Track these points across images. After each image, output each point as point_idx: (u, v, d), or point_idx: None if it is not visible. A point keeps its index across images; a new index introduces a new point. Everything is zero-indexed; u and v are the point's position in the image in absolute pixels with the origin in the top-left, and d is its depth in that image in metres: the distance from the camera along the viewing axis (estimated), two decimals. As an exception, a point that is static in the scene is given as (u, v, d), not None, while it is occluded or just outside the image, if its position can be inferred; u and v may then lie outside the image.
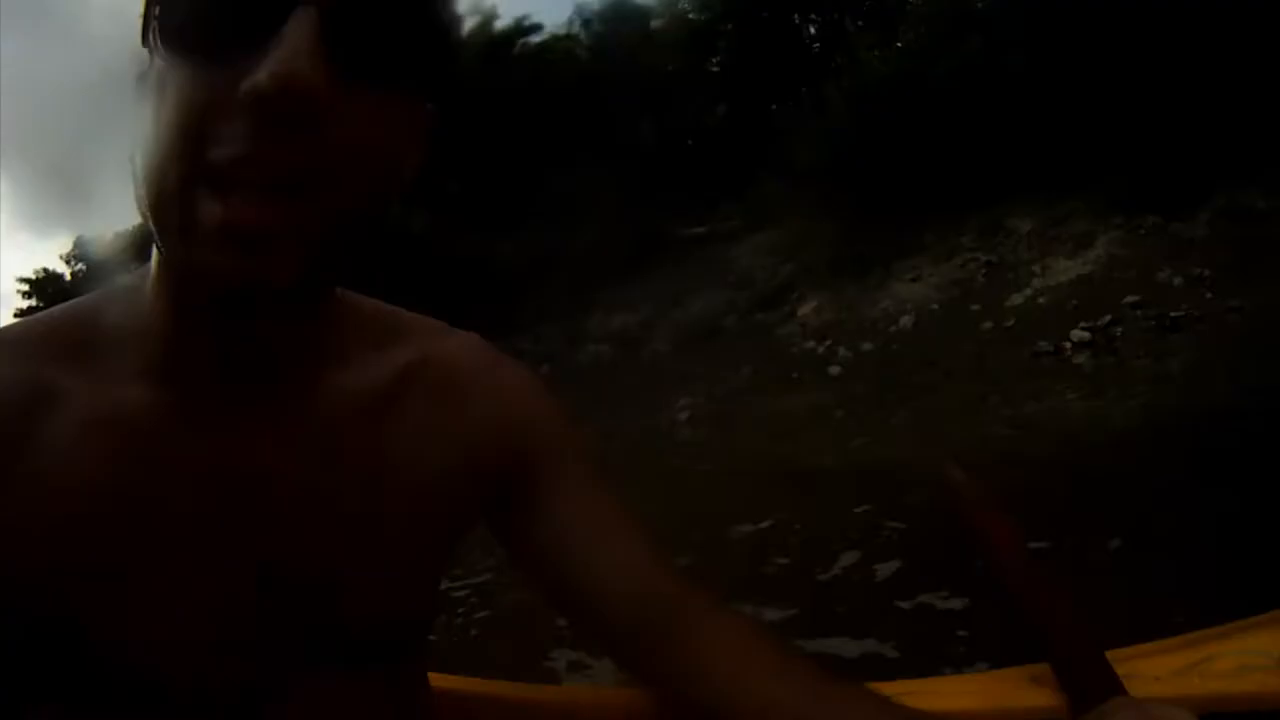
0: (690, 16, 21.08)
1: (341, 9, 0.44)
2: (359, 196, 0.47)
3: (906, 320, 10.11)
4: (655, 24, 22.73)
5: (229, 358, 0.53)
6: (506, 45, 23.37)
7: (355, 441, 0.57)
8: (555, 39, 24.02)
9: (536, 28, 24.37)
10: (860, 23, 17.97)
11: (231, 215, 0.44)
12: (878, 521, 5.13)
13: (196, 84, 0.44)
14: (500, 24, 23.73)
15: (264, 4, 0.44)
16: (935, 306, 10.20)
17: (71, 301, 0.59)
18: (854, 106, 12.73)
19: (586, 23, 24.04)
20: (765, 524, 5.53)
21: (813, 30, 20.01)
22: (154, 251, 0.53)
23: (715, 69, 20.70)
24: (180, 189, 0.45)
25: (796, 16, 19.61)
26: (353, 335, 0.60)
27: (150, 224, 0.48)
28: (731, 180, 16.59)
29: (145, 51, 0.49)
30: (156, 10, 0.46)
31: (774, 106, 17.76)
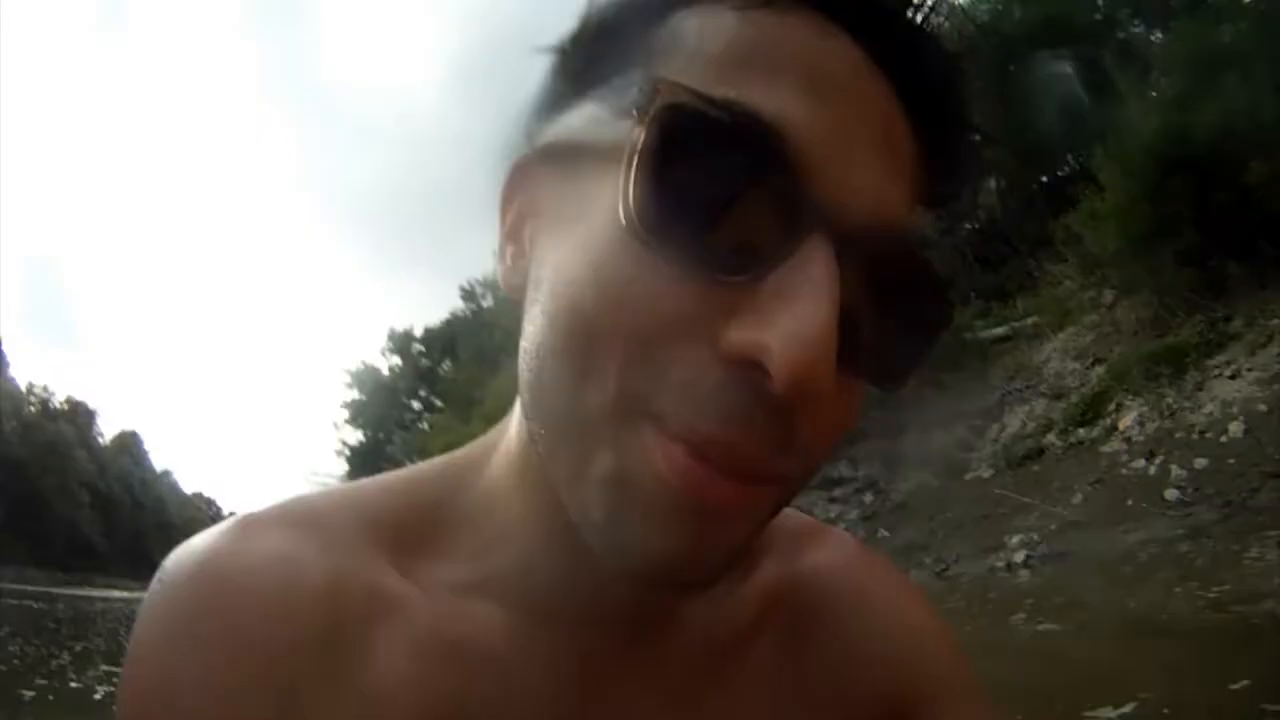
0: None
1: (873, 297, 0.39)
2: (809, 475, 0.43)
3: (1235, 427, 9.42)
4: None
5: (592, 596, 0.48)
6: None
7: (714, 680, 0.52)
8: None
9: None
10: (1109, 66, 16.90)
11: (686, 481, 0.37)
12: (1260, 705, 4.28)
13: (668, 288, 0.36)
14: None
15: (791, 213, 0.36)
16: (1262, 408, 9.40)
17: (407, 476, 0.54)
18: (1128, 175, 12.10)
19: None
20: (1128, 708, 4.76)
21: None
22: (521, 449, 0.48)
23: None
24: (614, 421, 0.38)
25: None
26: None
27: (551, 451, 0.41)
28: (1021, 267, 16.24)
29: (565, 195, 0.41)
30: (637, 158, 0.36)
31: (1044, 179, 17.16)
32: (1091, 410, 11.72)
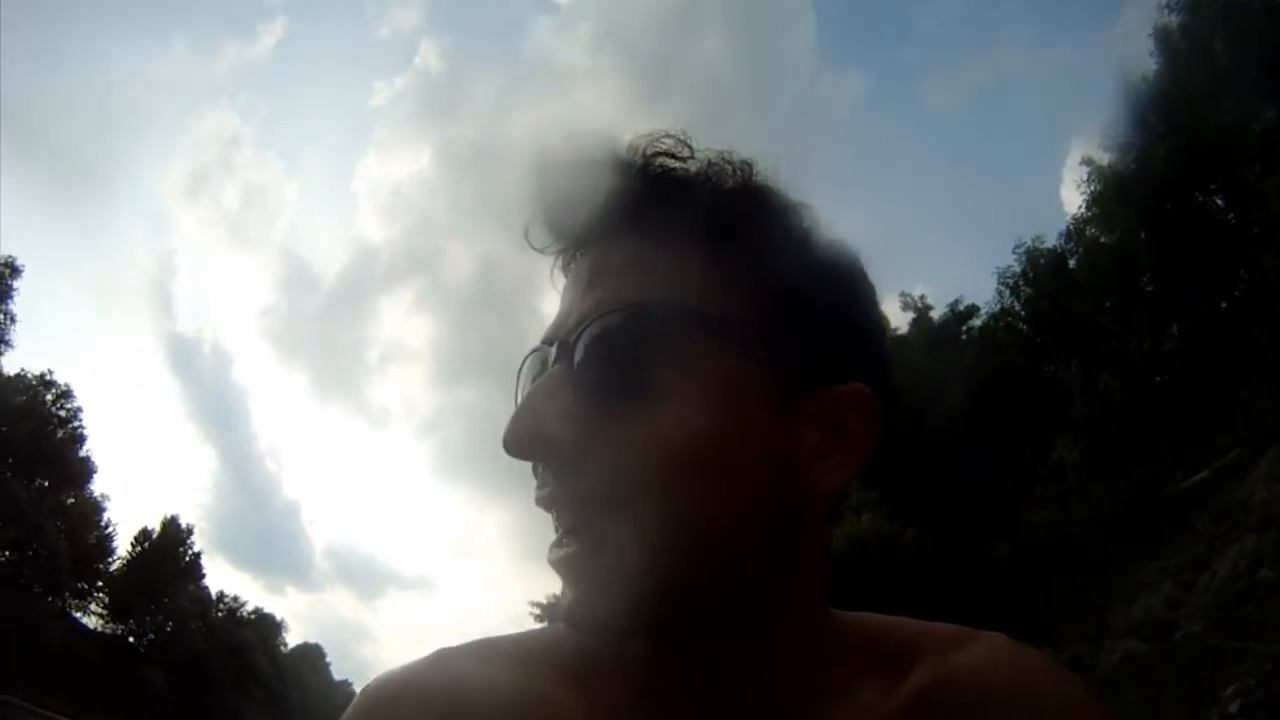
0: (1102, 240, 20.05)
1: (583, 362, 0.53)
2: (660, 516, 0.49)
3: None
4: (1071, 264, 21.66)
5: (706, 695, 0.54)
6: (949, 334, 23.81)
7: None
8: (994, 317, 23.73)
9: (973, 310, 24.53)
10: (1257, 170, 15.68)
11: (554, 557, 0.53)
12: None
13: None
14: (937, 313, 24.22)
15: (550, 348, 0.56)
16: None
17: None
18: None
19: (1013, 288, 23.31)
20: None
21: (1220, 201, 17.92)
22: None
23: (1149, 287, 18.92)
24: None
25: (1198, 193, 17.84)
26: (852, 661, 0.56)
27: None
28: (1215, 406, 14.58)
29: None
30: None
31: (1224, 304, 15.80)
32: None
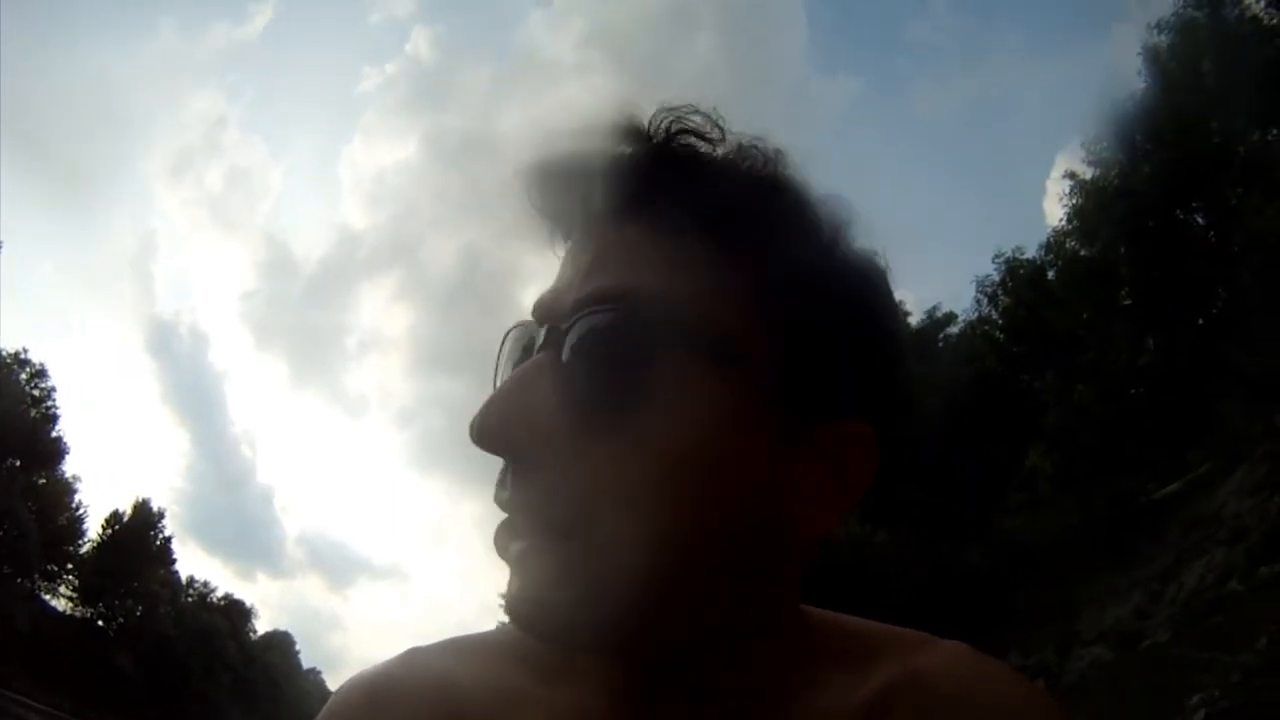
0: (1082, 253, 20.29)
1: (573, 360, 0.49)
2: (624, 537, 0.47)
3: None
4: (1050, 276, 21.92)
5: (670, 698, 0.53)
6: (926, 339, 24.03)
7: None
8: (971, 325, 24.24)
9: (951, 318, 25.12)
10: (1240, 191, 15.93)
11: (501, 546, 0.51)
12: None
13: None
14: (915, 319, 24.36)
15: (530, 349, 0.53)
16: None
17: None
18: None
19: (991, 297, 23.71)
20: None
21: (1201, 219, 18.17)
22: None
23: (1127, 301, 19.12)
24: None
25: (1180, 211, 18.09)
26: (823, 657, 0.56)
27: None
28: (1189, 420, 14.79)
29: None
30: None
31: (1201, 320, 16.04)
32: (1276, 546, 10.05)
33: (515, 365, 0.55)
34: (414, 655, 0.62)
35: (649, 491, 0.47)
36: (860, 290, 0.54)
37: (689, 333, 0.49)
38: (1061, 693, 11.87)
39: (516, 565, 0.49)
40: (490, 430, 0.49)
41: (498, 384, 0.55)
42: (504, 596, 0.50)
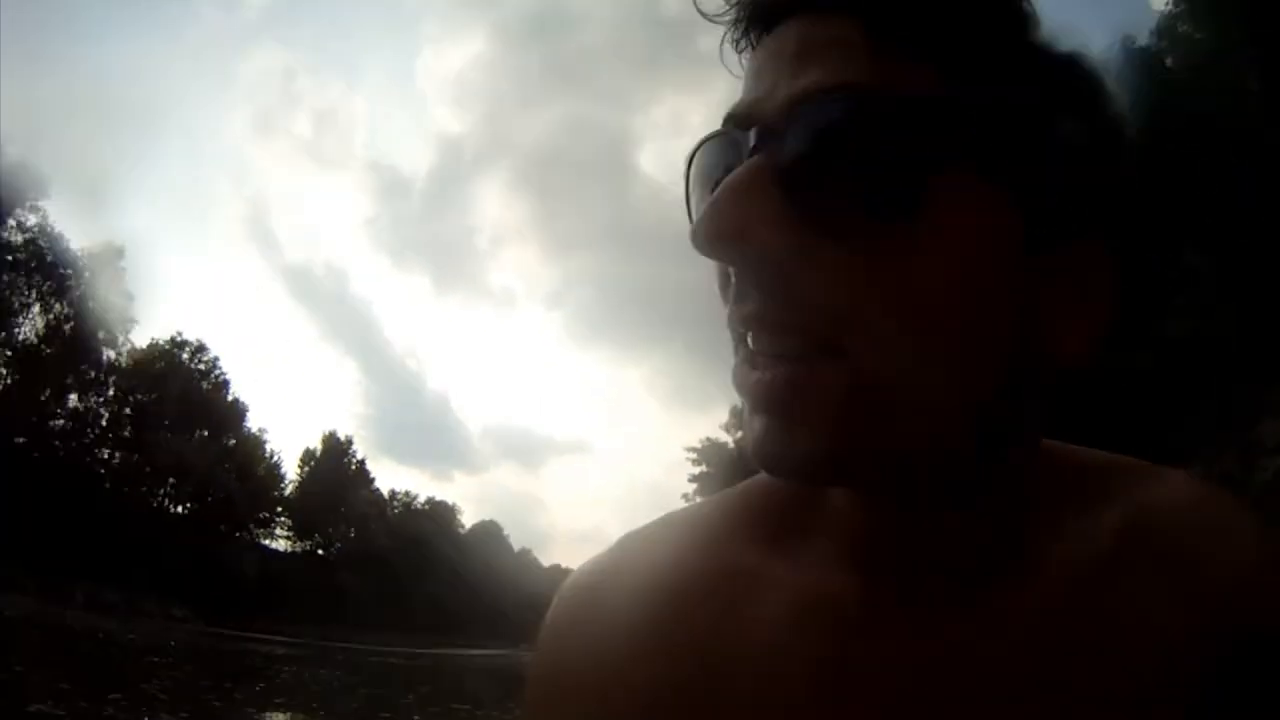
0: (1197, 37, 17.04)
1: (800, 160, 0.42)
2: (889, 358, 0.42)
3: None
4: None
5: (918, 546, 0.50)
6: None
7: (1072, 619, 0.51)
8: None
9: None
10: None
11: (745, 380, 0.44)
12: None
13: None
14: None
15: (731, 147, 0.46)
16: None
17: (756, 480, 0.58)
18: None
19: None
20: None
21: None
22: None
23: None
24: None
25: None
26: (1060, 497, 0.54)
27: None
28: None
29: None
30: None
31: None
32: None
33: (719, 178, 0.45)
34: (627, 542, 0.60)
35: (915, 320, 0.42)
36: (1095, 93, 0.47)
37: (951, 127, 0.42)
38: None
39: (760, 396, 0.44)
40: (719, 232, 0.42)
41: (695, 204, 0.49)
42: (750, 438, 0.45)
